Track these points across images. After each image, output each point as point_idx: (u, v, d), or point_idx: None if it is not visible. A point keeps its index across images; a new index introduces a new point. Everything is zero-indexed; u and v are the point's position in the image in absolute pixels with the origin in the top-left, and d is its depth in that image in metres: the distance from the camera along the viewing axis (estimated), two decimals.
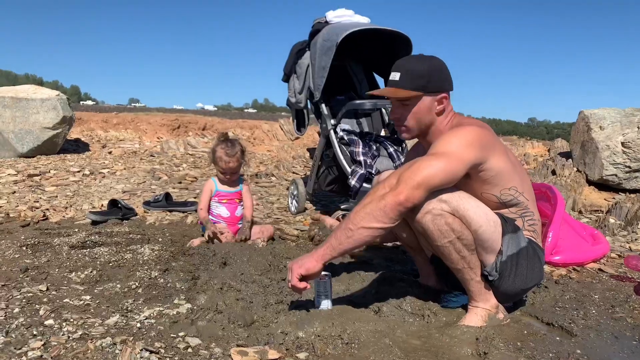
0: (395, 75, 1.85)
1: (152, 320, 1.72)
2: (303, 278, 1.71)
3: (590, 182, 4.71)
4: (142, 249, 2.53)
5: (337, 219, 3.10)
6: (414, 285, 2.22)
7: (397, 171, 1.70)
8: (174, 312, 1.79)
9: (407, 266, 2.55)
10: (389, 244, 2.97)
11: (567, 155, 5.27)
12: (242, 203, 2.92)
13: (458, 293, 2.11)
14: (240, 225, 2.88)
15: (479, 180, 1.76)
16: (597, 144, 4.65)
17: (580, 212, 4.03)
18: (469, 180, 1.75)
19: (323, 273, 1.82)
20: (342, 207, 3.14)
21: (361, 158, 3.15)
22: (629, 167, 4.49)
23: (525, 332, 1.78)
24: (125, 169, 5.07)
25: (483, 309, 1.82)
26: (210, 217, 2.87)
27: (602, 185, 4.66)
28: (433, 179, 1.63)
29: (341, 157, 3.23)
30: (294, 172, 5.25)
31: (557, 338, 1.76)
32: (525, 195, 1.84)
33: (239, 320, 1.73)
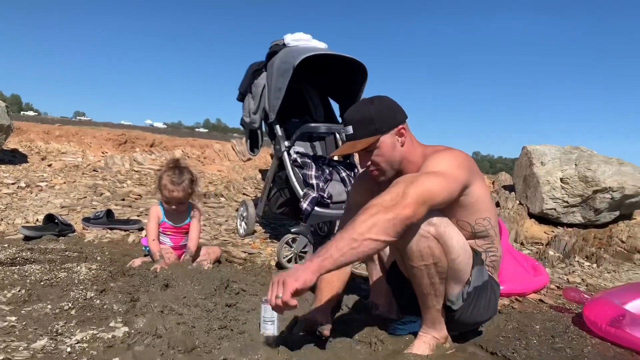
0: (349, 129, 1.83)
1: (84, 345, 1.60)
2: (294, 293, 1.53)
3: (531, 215, 4.90)
4: (79, 267, 2.38)
5: (287, 242, 3.06)
6: (362, 312, 2.20)
7: (400, 183, 1.61)
8: (109, 336, 1.67)
9: (355, 292, 2.53)
10: None
11: (510, 188, 5.48)
12: (187, 234, 2.74)
13: (407, 320, 2.10)
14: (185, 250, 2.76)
15: (458, 205, 1.75)
16: (539, 178, 4.87)
17: (522, 243, 4.17)
18: (450, 203, 1.72)
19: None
20: (292, 230, 3.09)
21: (314, 181, 3.13)
22: (567, 202, 4.72)
23: None
24: (65, 183, 4.81)
25: (433, 338, 1.82)
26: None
27: (542, 218, 4.86)
28: (436, 196, 1.61)
29: (294, 179, 3.20)
30: (244, 194, 5.16)
31: None
32: (495, 230, 1.85)
33: (179, 345, 1.64)
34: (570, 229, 4.58)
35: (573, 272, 3.39)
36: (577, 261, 3.62)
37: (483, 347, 1.95)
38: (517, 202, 5.07)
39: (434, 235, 1.66)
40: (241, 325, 1.91)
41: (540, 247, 4.06)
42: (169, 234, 2.71)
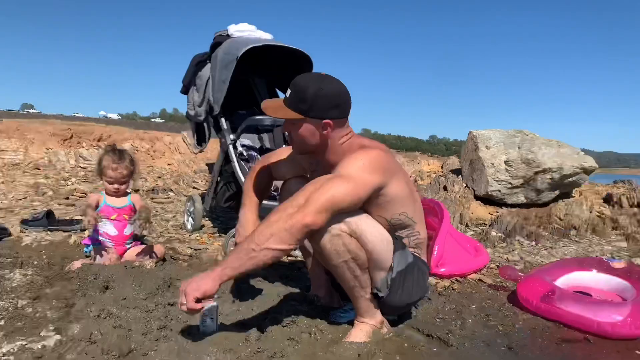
0: (288, 92, 1.81)
1: (11, 357, 1.55)
2: (198, 300, 1.63)
3: (477, 197, 5.06)
4: (12, 274, 2.29)
5: (233, 236, 3.04)
6: (304, 302, 2.23)
7: (306, 190, 1.65)
8: (39, 346, 1.63)
9: (301, 283, 2.56)
10: (286, 260, 2.97)
11: (457, 172, 5.63)
12: (131, 220, 2.74)
13: (348, 307, 2.15)
14: (128, 246, 2.72)
15: (373, 204, 1.78)
16: (484, 162, 5.02)
17: (467, 225, 4.31)
18: (364, 202, 1.74)
19: None
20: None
21: None
22: (511, 183, 4.90)
23: (406, 345, 1.85)
24: (3, 182, 4.62)
25: (368, 325, 1.87)
26: (96, 235, 2.68)
27: (488, 199, 5.03)
28: (340, 202, 1.64)
29: (240, 173, 3.18)
30: (194, 188, 5.10)
31: (435, 349, 1.84)
32: (415, 219, 1.89)
33: (113, 350, 1.61)
34: (513, 209, 4.76)
35: (513, 250, 3.53)
36: (517, 240, 3.77)
37: (420, 330, 2.00)
38: (464, 185, 5.22)
39: (348, 232, 1.70)
40: (182, 324, 1.90)
41: (484, 227, 4.21)
42: (113, 219, 2.67)
